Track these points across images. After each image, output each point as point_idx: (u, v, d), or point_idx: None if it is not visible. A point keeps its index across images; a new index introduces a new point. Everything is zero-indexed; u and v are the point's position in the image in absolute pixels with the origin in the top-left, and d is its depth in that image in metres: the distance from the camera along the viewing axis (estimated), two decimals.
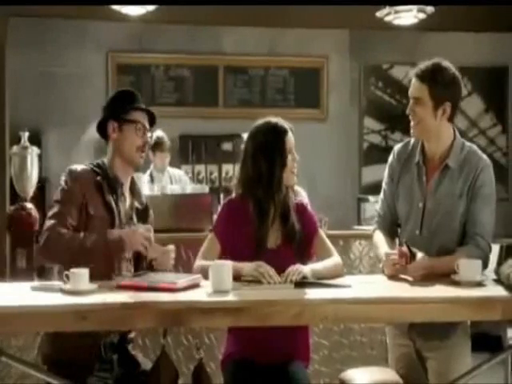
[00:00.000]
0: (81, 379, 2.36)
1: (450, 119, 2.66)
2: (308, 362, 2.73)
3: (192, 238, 3.83)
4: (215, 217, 4.49)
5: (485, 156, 2.71)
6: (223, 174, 6.75)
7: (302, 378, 2.56)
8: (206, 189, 4.46)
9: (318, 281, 2.41)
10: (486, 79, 7.12)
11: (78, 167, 2.66)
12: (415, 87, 2.65)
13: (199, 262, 2.62)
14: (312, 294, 2.25)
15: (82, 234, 2.47)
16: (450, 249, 2.62)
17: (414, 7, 4.27)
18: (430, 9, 4.39)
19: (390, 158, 2.85)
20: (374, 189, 7.11)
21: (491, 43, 7.02)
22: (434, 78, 2.60)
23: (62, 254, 2.42)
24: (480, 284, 2.41)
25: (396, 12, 4.35)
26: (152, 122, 2.73)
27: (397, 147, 2.86)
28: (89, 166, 2.66)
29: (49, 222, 2.49)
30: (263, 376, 2.57)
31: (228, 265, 2.25)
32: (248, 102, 6.91)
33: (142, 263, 2.63)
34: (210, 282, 2.24)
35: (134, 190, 2.75)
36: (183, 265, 3.31)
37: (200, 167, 6.72)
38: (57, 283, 2.30)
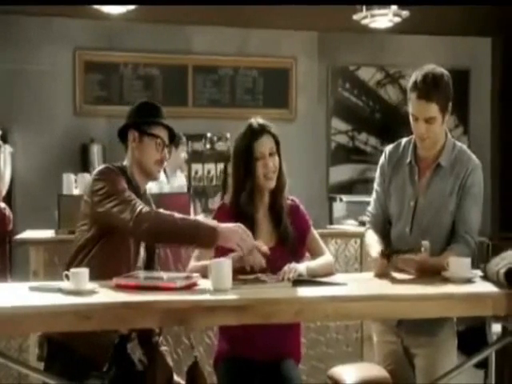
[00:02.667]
0: (83, 374, 2.35)
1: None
2: (299, 359, 2.76)
3: None
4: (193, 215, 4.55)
5: (474, 156, 2.79)
6: (193, 174, 6.75)
7: (294, 377, 2.59)
8: (183, 188, 4.45)
9: (315, 279, 2.44)
10: None
11: (114, 167, 2.62)
12: (424, 108, 2.61)
13: (194, 263, 2.62)
14: (312, 292, 2.28)
15: (176, 214, 2.44)
16: (439, 246, 2.68)
17: (390, 11, 4.34)
18: (405, 13, 4.48)
19: (382, 159, 2.90)
20: (341, 188, 7.25)
21: (454, 46, 7.19)
22: (439, 93, 2.60)
23: (168, 232, 2.40)
24: (470, 281, 2.48)
25: (372, 16, 4.42)
26: (172, 138, 2.73)
27: (388, 148, 2.90)
28: (117, 169, 2.63)
29: (137, 208, 2.42)
30: (256, 374, 2.59)
31: (228, 263, 2.26)
32: (217, 101, 6.92)
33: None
34: (210, 281, 2.26)
35: (146, 199, 2.74)
36: (161, 264, 3.31)
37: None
38: (55, 283, 2.28)
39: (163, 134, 2.68)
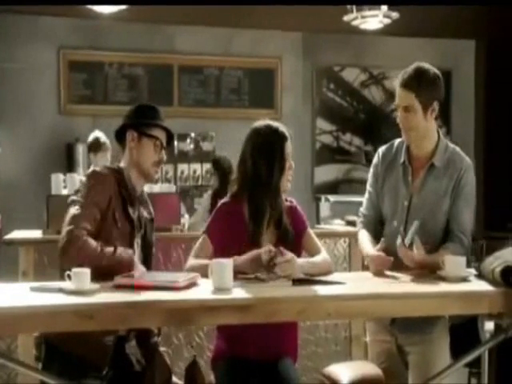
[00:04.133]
0: (81, 376, 2.34)
1: (436, 117, 2.76)
2: (296, 359, 2.78)
3: (159, 237, 3.84)
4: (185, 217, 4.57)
5: (467, 157, 2.83)
6: (178, 174, 6.74)
7: (293, 376, 2.61)
8: (173, 188, 4.45)
9: (314, 278, 2.47)
10: None
11: (104, 170, 2.62)
12: (402, 96, 2.70)
13: (192, 262, 2.63)
14: (314, 291, 2.30)
15: (108, 250, 2.44)
16: (433, 245, 2.71)
17: (381, 12, 4.38)
18: (394, 14, 4.52)
19: (375, 159, 2.92)
20: (326, 189, 7.29)
21: (436, 48, 7.26)
22: (419, 83, 2.67)
23: (89, 265, 2.33)
24: (465, 279, 2.52)
25: (363, 17, 4.45)
26: (169, 140, 2.74)
27: (381, 149, 2.93)
28: (111, 172, 2.62)
29: (74, 228, 2.44)
30: (254, 374, 2.60)
31: (229, 263, 2.27)
32: (203, 101, 6.92)
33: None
34: (212, 280, 2.26)
35: (143, 200, 2.74)
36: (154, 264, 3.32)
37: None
38: (56, 283, 2.27)
39: (161, 135, 2.69)
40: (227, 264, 2.27)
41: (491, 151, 6.34)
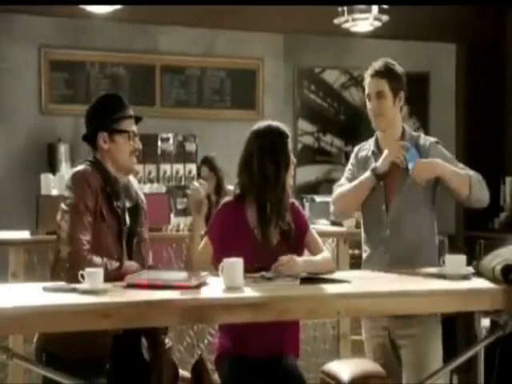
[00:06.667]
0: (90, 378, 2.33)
1: (401, 107, 3.01)
2: (298, 356, 2.82)
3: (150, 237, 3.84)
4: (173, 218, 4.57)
5: (432, 137, 3.06)
6: (161, 174, 6.71)
7: (297, 374, 2.65)
8: (162, 188, 4.45)
9: (321, 276, 2.51)
10: (409, 84, 7.43)
11: (86, 170, 2.55)
12: (375, 84, 2.94)
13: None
14: (324, 289, 2.34)
15: (114, 266, 2.43)
16: (419, 241, 2.91)
17: (371, 15, 4.44)
18: (384, 17, 4.58)
19: (352, 159, 3.15)
20: (307, 189, 7.33)
21: (416, 51, 7.35)
22: (390, 73, 2.93)
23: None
24: (465, 277, 2.58)
25: (353, 20, 4.51)
26: (138, 120, 2.69)
27: (357, 147, 3.16)
28: (94, 167, 2.57)
29: (74, 248, 2.41)
30: (258, 372, 2.63)
31: (240, 262, 2.30)
32: (185, 102, 6.91)
33: None
34: (223, 279, 2.29)
35: (128, 188, 2.70)
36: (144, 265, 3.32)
37: (138, 167, 6.63)
38: (65, 283, 2.28)
39: (131, 124, 2.63)
40: (238, 263, 2.30)
41: (472, 153, 6.45)
